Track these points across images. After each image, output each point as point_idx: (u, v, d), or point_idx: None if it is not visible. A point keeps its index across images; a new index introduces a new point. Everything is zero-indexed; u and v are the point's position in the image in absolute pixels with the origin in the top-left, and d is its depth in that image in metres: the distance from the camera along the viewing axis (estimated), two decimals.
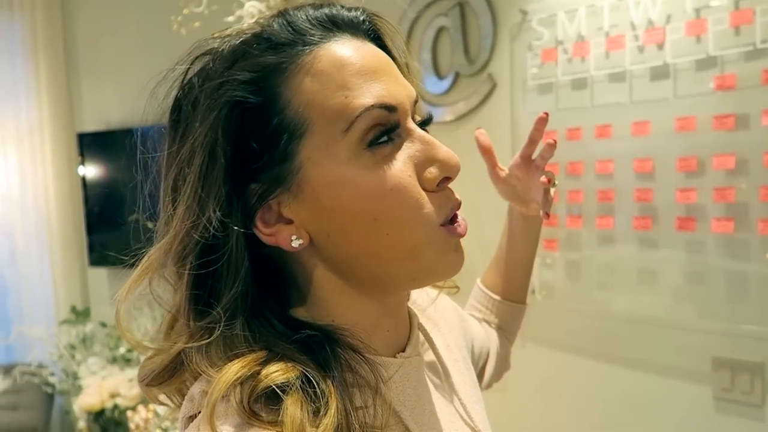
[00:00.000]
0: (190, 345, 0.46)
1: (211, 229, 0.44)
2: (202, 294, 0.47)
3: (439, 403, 0.56)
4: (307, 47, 0.46)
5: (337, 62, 0.46)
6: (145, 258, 0.50)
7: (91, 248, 3.28)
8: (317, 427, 0.40)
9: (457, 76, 2.25)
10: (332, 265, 0.49)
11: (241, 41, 0.48)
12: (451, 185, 0.51)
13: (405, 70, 0.53)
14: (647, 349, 1.86)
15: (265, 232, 0.47)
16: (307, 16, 0.47)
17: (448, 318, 0.70)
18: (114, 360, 3.00)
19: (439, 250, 0.49)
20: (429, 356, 0.60)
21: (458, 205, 0.51)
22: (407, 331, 0.56)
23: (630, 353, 1.90)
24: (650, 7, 1.75)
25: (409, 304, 0.61)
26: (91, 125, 3.27)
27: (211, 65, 0.47)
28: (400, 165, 0.47)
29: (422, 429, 0.51)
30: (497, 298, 0.87)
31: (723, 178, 1.67)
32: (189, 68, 0.49)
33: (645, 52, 1.79)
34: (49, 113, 3.18)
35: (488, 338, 0.83)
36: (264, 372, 0.42)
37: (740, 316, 1.67)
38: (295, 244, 0.47)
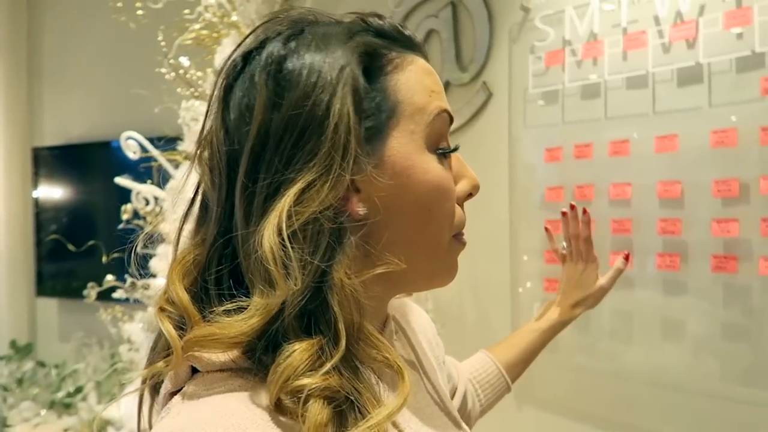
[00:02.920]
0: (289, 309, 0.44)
1: (341, 189, 0.47)
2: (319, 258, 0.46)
3: (415, 389, 0.59)
4: (407, 50, 0.53)
5: (426, 70, 0.53)
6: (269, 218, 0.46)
7: (40, 277, 2.95)
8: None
9: (447, 85, 1.93)
10: (372, 246, 0.50)
11: (365, 22, 0.53)
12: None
13: None
14: (669, 419, 1.49)
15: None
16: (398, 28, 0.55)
17: (421, 324, 0.72)
18: (52, 405, 2.63)
19: (452, 257, 0.56)
20: (402, 349, 0.63)
21: (465, 222, 0.57)
22: (383, 321, 0.59)
23: (648, 423, 1.53)
24: None
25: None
26: (50, 139, 2.98)
27: (327, 36, 0.50)
28: (449, 172, 0.54)
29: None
30: (498, 364, 0.91)
31: None
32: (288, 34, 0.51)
33: (672, 51, 1.47)
34: (4, 124, 2.90)
35: (459, 378, 0.85)
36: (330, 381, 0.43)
37: None
38: (361, 210, 0.49)
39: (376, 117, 0.49)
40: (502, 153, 1.81)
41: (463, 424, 0.65)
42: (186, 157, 1.71)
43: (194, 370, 0.46)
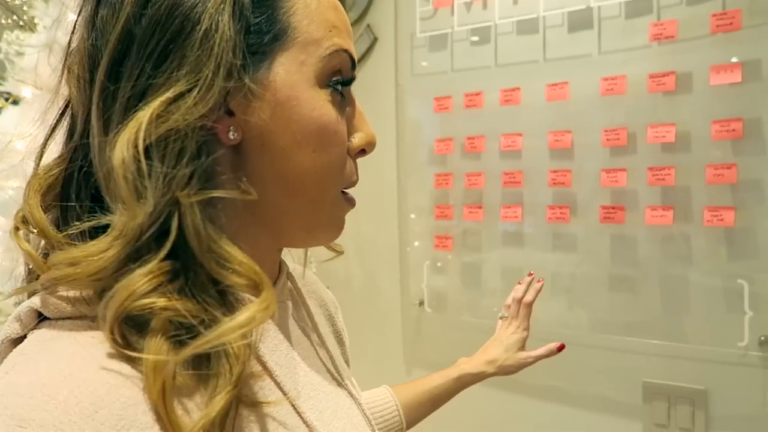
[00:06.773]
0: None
1: (209, 105, 0.41)
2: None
3: (305, 353, 0.56)
4: None
5: (333, 4, 0.49)
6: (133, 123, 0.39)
7: None
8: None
9: None
10: (241, 180, 0.45)
11: None
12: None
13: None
14: (563, 375, 1.47)
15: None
16: None
17: (326, 299, 0.70)
18: None
19: (335, 212, 0.50)
20: (295, 311, 0.60)
21: (356, 181, 0.52)
22: (275, 277, 0.55)
23: (541, 380, 1.50)
24: None
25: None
26: None
27: None
28: (342, 119, 0.48)
29: (283, 371, 0.49)
30: (397, 403, 0.87)
31: (660, 155, 1.31)
32: None
33: None
34: None
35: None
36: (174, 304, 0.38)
37: (679, 333, 1.32)
38: (232, 136, 0.44)
39: (259, 35, 0.44)
40: (388, 103, 1.69)
41: (358, 397, 0.61)
42: (14, 101, 1.40)
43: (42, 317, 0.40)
